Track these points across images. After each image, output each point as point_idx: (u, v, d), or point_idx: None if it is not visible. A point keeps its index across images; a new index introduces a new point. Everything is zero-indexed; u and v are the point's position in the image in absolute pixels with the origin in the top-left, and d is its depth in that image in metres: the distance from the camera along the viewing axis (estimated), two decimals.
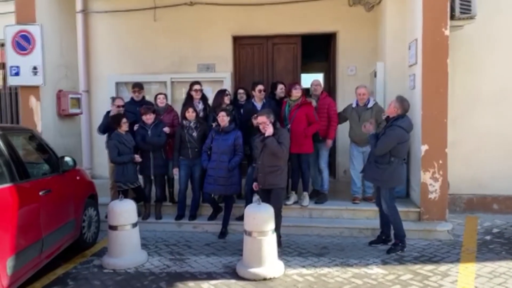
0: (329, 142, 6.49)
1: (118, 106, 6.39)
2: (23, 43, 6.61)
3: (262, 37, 8.44)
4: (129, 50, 8.64)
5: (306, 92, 6.63)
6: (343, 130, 7.02)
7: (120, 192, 5.97)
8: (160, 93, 6.59)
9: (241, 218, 6.06)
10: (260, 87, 6.38)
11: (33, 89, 6.69)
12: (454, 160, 6.33)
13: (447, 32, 5.75)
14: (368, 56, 7.93)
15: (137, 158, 6.01)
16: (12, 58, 6.66)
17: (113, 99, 6.58)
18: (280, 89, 6.64)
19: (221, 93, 6.29)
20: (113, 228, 4.93)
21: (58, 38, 7.08)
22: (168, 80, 8.55)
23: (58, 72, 7.08)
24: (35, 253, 4.11)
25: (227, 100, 6.26)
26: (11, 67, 6.66)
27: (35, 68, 6.63)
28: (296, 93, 6.12)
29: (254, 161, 5.87)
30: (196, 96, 6.44)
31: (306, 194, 6.36)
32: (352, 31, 8.08)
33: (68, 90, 7.16)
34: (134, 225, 5.05)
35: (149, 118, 6.13)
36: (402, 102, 5.12)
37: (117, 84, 8.69)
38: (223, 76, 8.38)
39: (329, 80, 9.20)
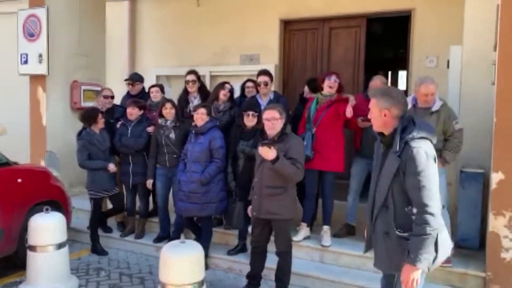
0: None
1: (105, 97, 5.41)
2: (32, 28, 6.11)
3: (317, 20, 6.67)
4: (170, 40, 7.67)
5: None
6: None
7: (92, 200, 4.99)
8: (154, 85, 5.42)
9: (233, 250, 4.66)
10: (264, 78, 4.77)
11: (40, 79, 6.16)
12: None
13: None
14: (454, 43, 5.62)
15: (111, 167, 4.88)
16: (22, 45, 6.22)
17: (101, 89, 5.62)
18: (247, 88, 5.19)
19: (218, 87, 4.89)
20: (32, 248, 3.92)
21: (77, 25, 6.45)
22: (207, 73, 7.35)
23: (74, 61, 6.45)
24: None
25: (223, 95, 4.82)
26: (21, 54, 6.22)
27: (40, 55, 6.07)
28: (330, 86, 4.38)
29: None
30: (191, 89, 5.14)
31: (327, 229, 4.52)
32: (433, 9, 5.85)
33: (84, 82, 6.50)
34: (60, 246, 3.96)
35: (131, 114, 5.02)
36: (390, 93, 2.52)
37: (158, 77, 7.82)
38: (267, 68, 6.86)
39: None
